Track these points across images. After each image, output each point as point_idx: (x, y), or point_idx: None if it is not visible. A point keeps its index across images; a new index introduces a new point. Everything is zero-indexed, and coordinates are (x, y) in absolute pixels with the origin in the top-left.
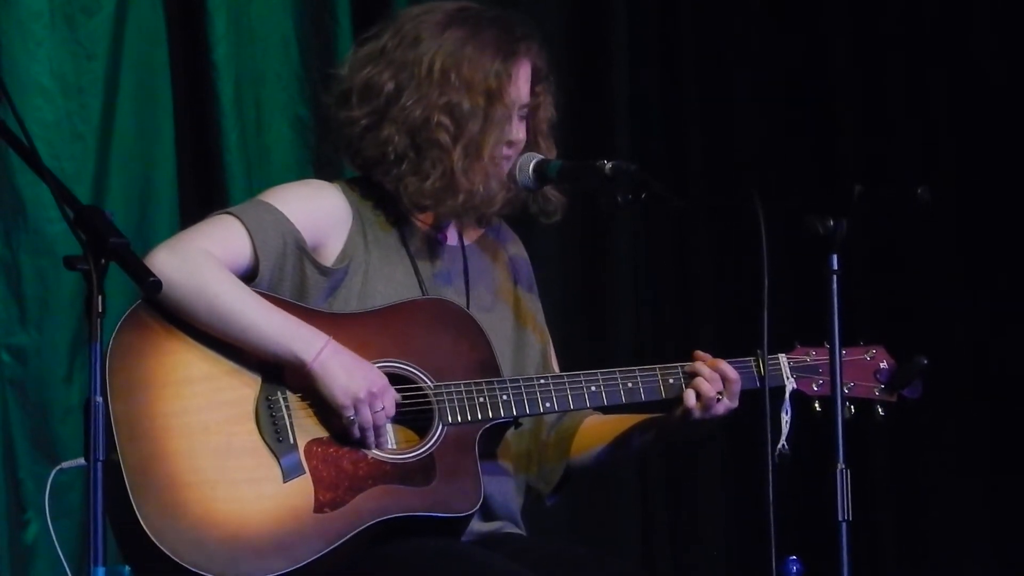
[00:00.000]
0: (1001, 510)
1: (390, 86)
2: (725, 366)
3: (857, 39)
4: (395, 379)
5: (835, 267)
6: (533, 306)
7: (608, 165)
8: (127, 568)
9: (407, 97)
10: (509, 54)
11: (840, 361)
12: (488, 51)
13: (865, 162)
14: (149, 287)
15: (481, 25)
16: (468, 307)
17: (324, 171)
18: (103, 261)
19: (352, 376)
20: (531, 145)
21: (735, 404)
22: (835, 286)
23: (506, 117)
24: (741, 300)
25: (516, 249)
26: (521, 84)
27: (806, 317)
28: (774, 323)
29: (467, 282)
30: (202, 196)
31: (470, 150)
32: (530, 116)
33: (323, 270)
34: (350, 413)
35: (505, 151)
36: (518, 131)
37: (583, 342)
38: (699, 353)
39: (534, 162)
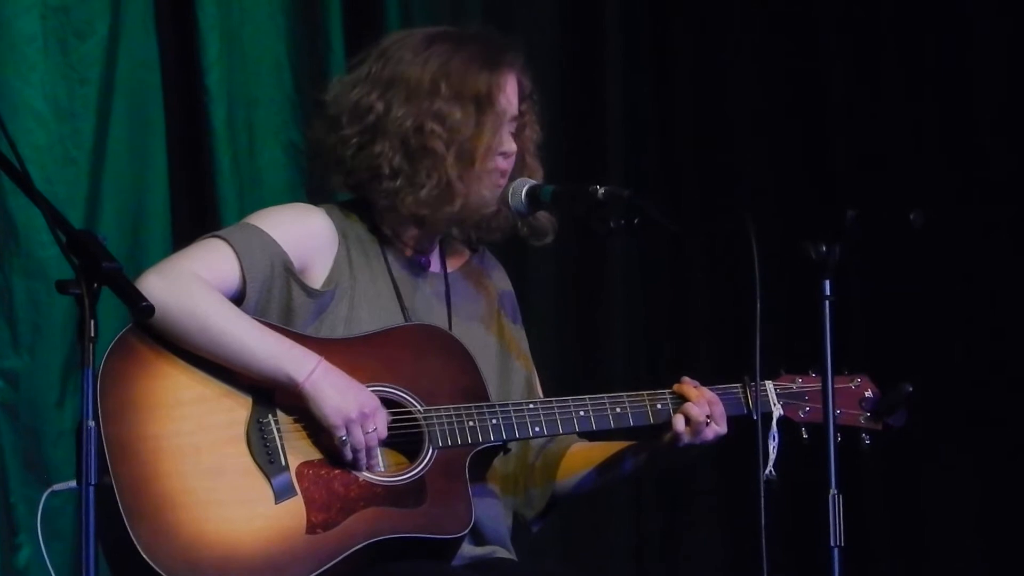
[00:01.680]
0: (995, 533)
1: (379, 105)
2: (708, 392)
3: (854, 61)
4: (385, 403)
5: (828, 293)
6: (517, 334)
7: (601, 190)
8: None
9: (397, 110)
10: (496, 64)
11: (832, 386)
12: (475, 62)
13: (859, 186)
14: (142, 311)
15: (464, 41)
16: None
17: (316, 195)
18: (96, 285)
19: (344, 397)
20: (518, 164)
21: (724, 429)
22: (828, 312)
23: (498, 124)
24: (734, 324)
25: (500, 278)
26: (510, 94)
27: (793, 342)
28: (764, 348)
29: (449, 308)
30: (194, 220)
31: (463, 157)
32: (517, 134)
33: (310, 292)
34: (342, 433)
35: (499, 163)
36: (511, 141)
37: (576, 367)
38: (686, 379)
39: (527, 187)
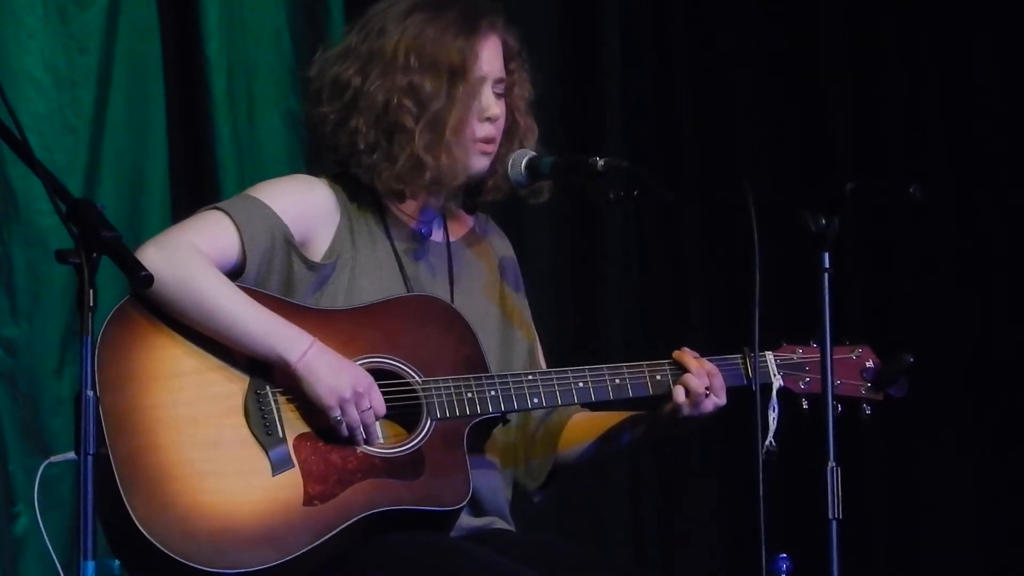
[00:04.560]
0: (991, 506)
1: (357, 80)
2: (708, 363)
3: (850, 30)
4: (383, 375)
5: (827, 265)
6: (519, 303)
7: (600, 162)
8: (116, 562)
9: (371, 84)
10: (472, 31)
11: (831, 358)
12: (450, 30)
13: (858, 158)
14: (140, 281)
15: (443, 8)
16: (452, 304)
17: (316, 165)
18: (95, 254)
19: (337, 376)
20: (509, 124)
21: (723, 401)
22: (827, 284)
23: (472, 94)
24: (732, 295)
25: (503, 246)
26: (489, 59)
27: (794, 313)
28: (763, 319)
29: (451, 279)
30: (194, 189)
31: (434, 127)
32: (506, 95)
33: (311, 265)
34: (336, 413)
35: (486, 129)
36: (493, 107)
37: (574, 338)
38: (685, 349)
39: (526, 159)
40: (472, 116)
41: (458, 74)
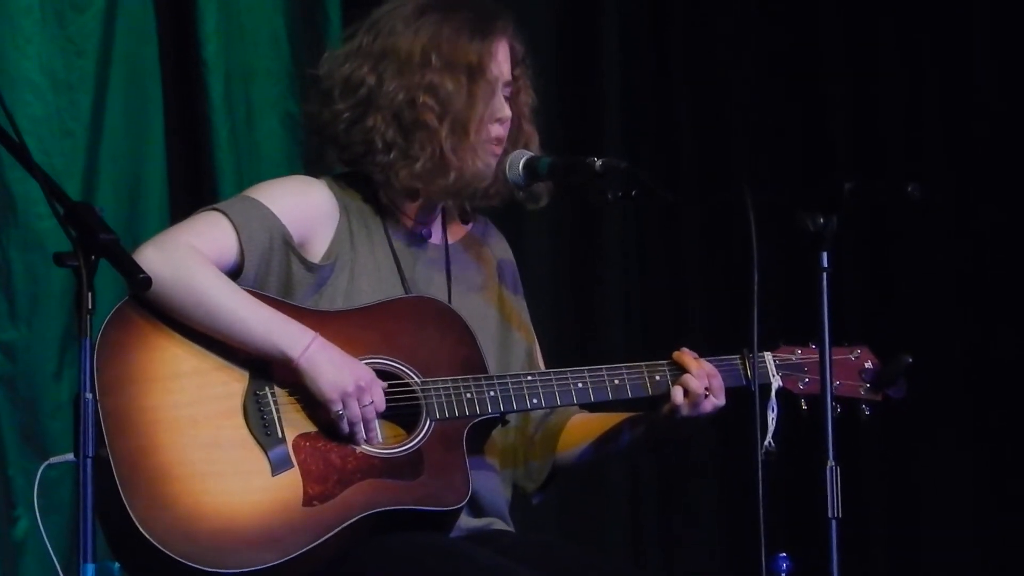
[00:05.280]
0: (991, 507)
1: (371, 78)
2: (707, 364)
3: (850, 30)
4: (382, 375)
5: (825, 264)
6: (518, 305)
7: (599, 162)
8: (116, 565)
9: (389, 83)
10: (487, 32)
11: (830, 358)
12: (465, 30)
13: (858, 159)
14: (139, 283)
15: (454, 9)
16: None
17: (314, 167)
18: (93, 257)
19: (339, 371)
20: (514, 130)
21: (722, 402)
22: (825, 284)
23: (490, 93)
24: (731, 296)
25: (502, 249)
26: (502, 61)
27: (793, 314)
28: (762, 319)
29: (449, 280)
30: (192, 192)
31: (457, 128)
32: (512, 100)
33: (309, 266)
34: (338, 408)
35: (496, 130)
36: (505, 108)
37: (573, 339)
38: (685, 350)
39: (524, 160)
40: (489, 116)
41: (476, 73)
